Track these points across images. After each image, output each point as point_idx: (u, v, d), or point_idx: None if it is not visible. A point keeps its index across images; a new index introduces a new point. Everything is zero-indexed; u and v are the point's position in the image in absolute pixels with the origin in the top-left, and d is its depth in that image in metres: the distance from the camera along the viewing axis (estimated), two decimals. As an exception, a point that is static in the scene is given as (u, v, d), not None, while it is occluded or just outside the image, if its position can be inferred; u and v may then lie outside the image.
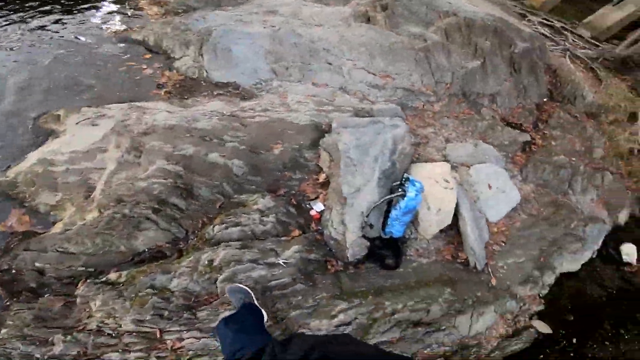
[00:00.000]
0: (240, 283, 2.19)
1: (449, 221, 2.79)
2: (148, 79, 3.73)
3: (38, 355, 2.00)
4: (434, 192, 2.80)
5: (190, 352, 2.08)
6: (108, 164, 2.89)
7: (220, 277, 2.21)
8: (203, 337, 2.11)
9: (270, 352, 0.72)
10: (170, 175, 2.60)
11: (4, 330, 2.06)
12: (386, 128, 3.10)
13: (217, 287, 2.21)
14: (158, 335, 2.07)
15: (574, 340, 2.90)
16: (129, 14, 4.55)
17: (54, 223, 2.69)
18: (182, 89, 3.62)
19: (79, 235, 2.38)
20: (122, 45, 4.05)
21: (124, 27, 4.31)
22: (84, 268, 2.32)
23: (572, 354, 2.83)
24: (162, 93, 3.54)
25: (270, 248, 2.35)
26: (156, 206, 2.49)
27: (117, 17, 4.49)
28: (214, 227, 2.40)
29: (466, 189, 3.15)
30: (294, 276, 2.30)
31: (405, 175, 2.72)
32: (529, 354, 2.72)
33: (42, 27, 4.05)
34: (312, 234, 2.54)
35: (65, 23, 4.19)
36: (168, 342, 2.08)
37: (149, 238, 2.41)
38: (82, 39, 4.03)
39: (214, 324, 2.14)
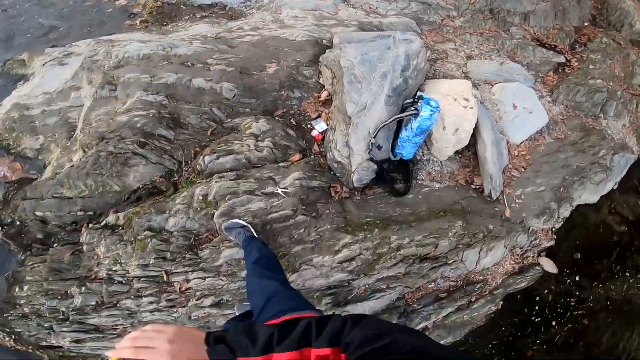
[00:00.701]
0: (239, 218, 2.11)
1: (466, 142, 2.59)
2: (121, 10, 3.52)
3: (63, 309, 2.07)
4: (452, 111, 2.57)
5: (198, 293, 2.10)
6: (84, 101, 2.78)
7: (217, 213, 2.13)
8: (208, 277, 2.11)
9: (339, 325, 0.70)
10: (152, 106, 2.46)
11: (26, 287, 2.12)
12: (397, 42, 2.81)
13: (215, 223, 2.14)
14: (165, 278, 2.08)
15: (577, 278, 2.86)
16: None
17: (45, 166, 2.67)
18: (160, 16, 3.40)
19: (70, 178, 2.33)
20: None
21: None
22: (83, 212, 2.30)
23: (575, 292, 2.80)
24: (138, 23, 3.35)
25: (268, 176, 2.21)
26: (142, 139, 2.37)
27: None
28: (204, 157, 2.27)
29: (488, 107, 2.91)
30: (295, 207, 2.19)
31: (419, 93, 2.49)
32: (532, 291, 2.72)
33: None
34: (314, 157, 2.39)
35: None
36: (175, 284, 2.09)
37: (141, 174, 2.33)
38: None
39: (217, 263, 2.12)
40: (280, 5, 3.24)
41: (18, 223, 2.33)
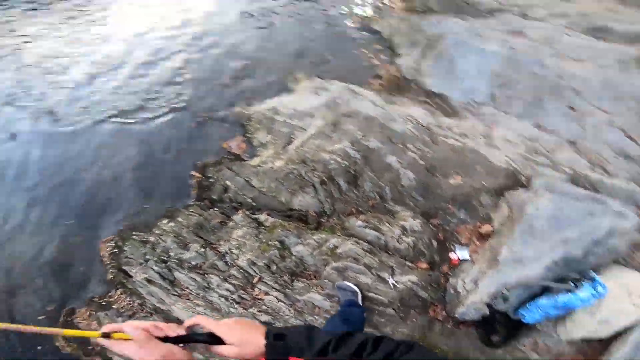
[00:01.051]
0: (347, 280, 2.45)
1: (604, 336, 2.23)
2: (371, 67, 4.30)
3: (172, 254, 2.56)
4: (616, 303, 2.22)
5: (264, 307, 2.47)
6: (310, 129, 3.61)
7: (333, 264, 2.51)
8: (282, 302, 2.47)
9: (393, 347, 0.77)
10: (349, 159, 3.03)
11: (171, 224, 2.67)
12: (607, 213, 2.52)
13: (324, 270, 2.52)
14: (255, 281, 2.51)
15: None
16: (377, 3, 5.28)
17: (255, 156, 3.51)
18: (394, 86, 3.97)
19: (265, 175, 3.05)
20: (362, 31, 4.80)
21: (369, 14, 5.06)
22: (250, 200, 2.94)
23: None
24: (376, 84, 4.01)
25: (391, 265, 2.49)
26: (325, 179, 2.97)
27: (365, 5, 5.29)
28: (356, 220, 2.71)
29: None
30: (393, 301, 2.39)
31: (592, 274, 2.25)
32: None
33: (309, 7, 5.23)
34: (438, 274, 2.53)
35: (320, 9, 5.24)
36: (256, 290, 2.50)
37: (306, 202, 2.90)
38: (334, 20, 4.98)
39: (298, 297, 2.47)
40: (497, 121, 3.35)
41: (211, 180, 3.07)
